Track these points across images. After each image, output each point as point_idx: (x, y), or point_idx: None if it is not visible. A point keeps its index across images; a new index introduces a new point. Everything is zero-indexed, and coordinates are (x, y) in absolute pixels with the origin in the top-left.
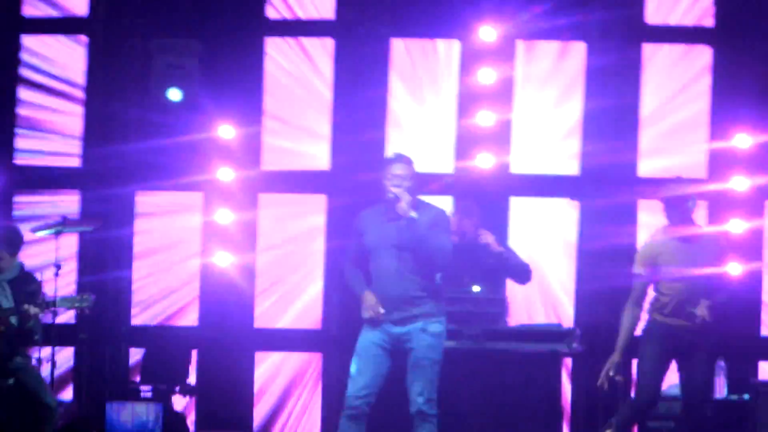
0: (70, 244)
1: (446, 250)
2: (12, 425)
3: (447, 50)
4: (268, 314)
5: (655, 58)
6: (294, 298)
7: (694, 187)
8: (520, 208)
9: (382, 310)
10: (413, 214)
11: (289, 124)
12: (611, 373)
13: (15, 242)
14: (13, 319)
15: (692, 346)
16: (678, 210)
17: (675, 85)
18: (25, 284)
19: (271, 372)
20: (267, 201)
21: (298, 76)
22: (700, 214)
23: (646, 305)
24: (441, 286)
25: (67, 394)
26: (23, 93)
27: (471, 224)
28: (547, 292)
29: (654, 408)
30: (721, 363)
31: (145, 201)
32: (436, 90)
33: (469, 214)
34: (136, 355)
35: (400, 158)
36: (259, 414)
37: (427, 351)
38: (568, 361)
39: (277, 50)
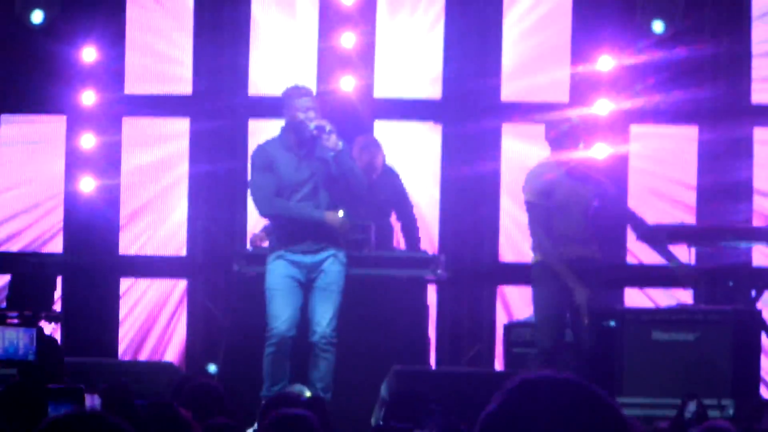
0: None
1: (364, 178)
2: None
3: None
4: (133, 240)
5: None
6: (158, 224)
7: (557, 112)
8: (385, 133)
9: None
10: (341, 145)
11: (151, 47)
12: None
13: None
14: None
15: (581, 275)
16: (561, 136)
17: (539, 7)
18: None
19: (137, 298)
20: (130, 125)
21: None
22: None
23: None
24: None
25: None
26: None
27: (382, 159)
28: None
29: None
30: None
31: (8, 124)
32: (297, 11)
33: (380, 149)
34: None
35: (307, 90)
36: (125, 340)
37: (337, 277)
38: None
39: None
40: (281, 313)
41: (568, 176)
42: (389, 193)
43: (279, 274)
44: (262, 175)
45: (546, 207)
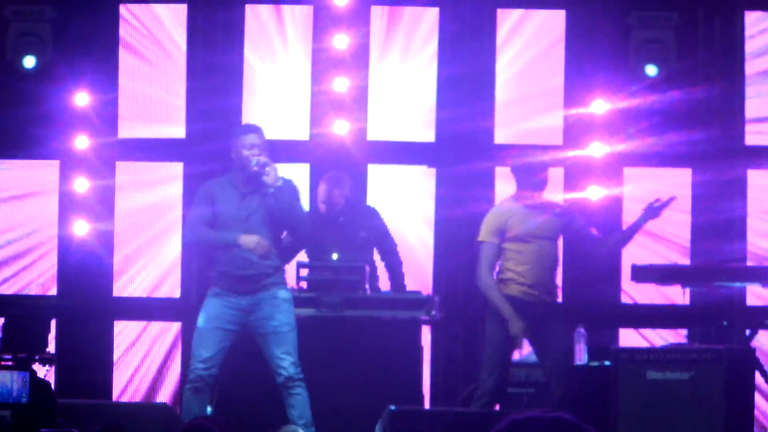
0: None
1: (308, 220)
2: None
3: (301, 15)
4: (127, 283)
5: (510, 22)
6: (152, 266)
7: (551, 153)
8: (379, 176)
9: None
10: (280, 182)
11: (144, 91)
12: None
13: None
14: None
15: (545, 317)
16: (529, 177)
17: (532, 51)
18: None
19: (131, 340)
20: (124, 169)
21: (151, 43)
22: (555, 181)
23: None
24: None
25: None
26: None
27: (341, 195)
28: (406, 259)
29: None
30: (581, 330)
31: (1, 172)
32: (290, 56)
33: (339, 185)
34: None
35: (254, 128)
36: (119, 382)
37: (284, 317)
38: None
39: (131, 16)
40: (203, 353)
41: (537, 214)
42: (371, 234)
43: (210, 314)
44: (196, 208)
45: (498, 246)
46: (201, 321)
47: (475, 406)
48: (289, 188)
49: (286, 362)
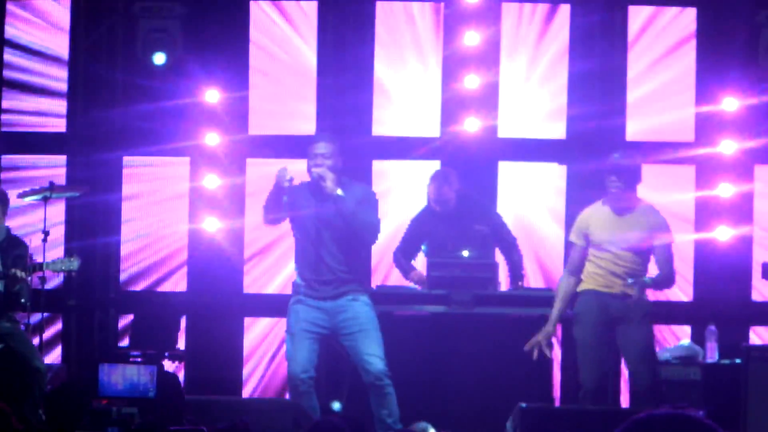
0: (57, 209)
1: (374, 226)
2: (1, 389)
3: (432, 12)
4: (257, 279)
5: (641, 19)
6: (282, 263)
7: (682, 151)
8: (509, 173)
9: (288, 176)
10: (339, 191)
11: (274, 88)
12: (542, 343)
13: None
14: None
15: (627, 312)
16: (608, 178)
17: (662, 48)
18: (12, 248)
19: (261, 337)
20: (254, 166)
21: (281, 40)
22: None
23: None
24: (366, 265)
25: (56, 359)
26: (8, 55)
27: (450, 190)
28: (536, 256)
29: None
30: (712, 328)
31: (132, 166)
32: (421, 53)
33: (448, 181)
34: (124, 320)
35: (322, 137)
36: (249, 378)
37: (367, 317)
38: None
39: (260, 13)
40: (294, 356)
41: (623, 223)
42: (485, 227)
43: (296, 319)
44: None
45: (582, 248)
46: (288, 326)
47: (581, 403)
48: (363, 196)
49: (374, 359)
